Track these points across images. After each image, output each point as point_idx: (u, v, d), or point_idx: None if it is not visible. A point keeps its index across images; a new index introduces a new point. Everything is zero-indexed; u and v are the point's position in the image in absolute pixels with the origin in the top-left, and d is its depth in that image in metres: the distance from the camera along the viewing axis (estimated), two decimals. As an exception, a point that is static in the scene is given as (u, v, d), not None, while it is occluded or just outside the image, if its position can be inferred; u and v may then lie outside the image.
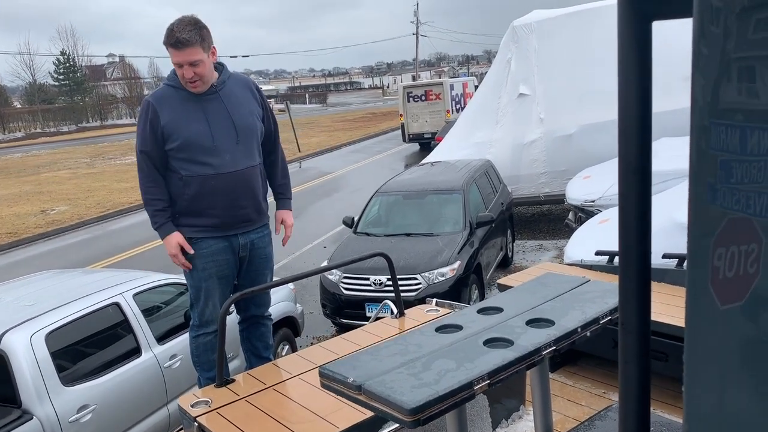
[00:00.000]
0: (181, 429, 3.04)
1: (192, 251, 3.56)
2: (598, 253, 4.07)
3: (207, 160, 3.46)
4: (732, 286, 0.60)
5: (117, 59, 76.18)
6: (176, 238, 3.56)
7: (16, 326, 3.91)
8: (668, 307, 2.92)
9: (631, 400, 0.70)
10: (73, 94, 57.71)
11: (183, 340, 4.63)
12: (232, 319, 5.15)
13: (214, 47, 3.51)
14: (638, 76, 0.63)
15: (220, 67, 3.64)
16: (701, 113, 0.59)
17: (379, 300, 5.86)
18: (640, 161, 0.65)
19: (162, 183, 3.57)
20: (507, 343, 2.02)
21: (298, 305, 6.27)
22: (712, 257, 0.61)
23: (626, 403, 0.70)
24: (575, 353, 3.75)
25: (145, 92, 56.63)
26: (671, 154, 6.12)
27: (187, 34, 3.34)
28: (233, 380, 3.09)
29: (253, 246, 3.72)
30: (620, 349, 0.70)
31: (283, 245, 4.04)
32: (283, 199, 3.98)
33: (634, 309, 0.69)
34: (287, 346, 5.92)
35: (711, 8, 0.56)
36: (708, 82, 0.58)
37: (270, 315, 4.09)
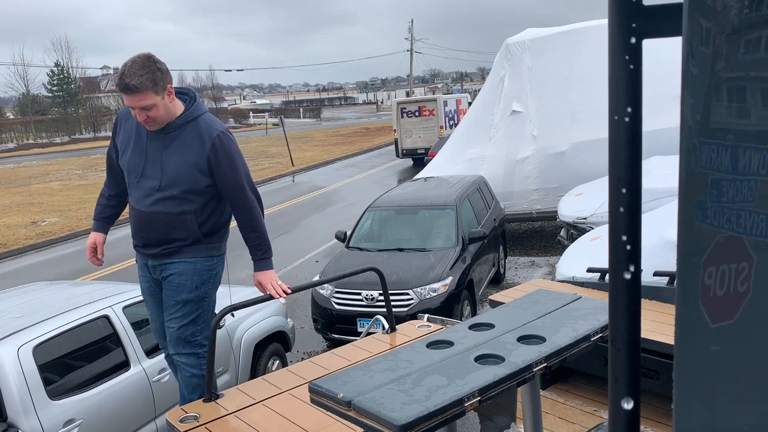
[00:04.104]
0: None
1: (99, 263, 3.73)
2: (589, 270, 4.07)
3: (131, 190, 3.53)
4: (723, 304, 0.60)
5: (111, 71, 76.17)
6: (93, 237, 3.73)
7: (3, 338, 3.87)
8: (659, 324, 2.93)
9: (621, 418, 0.70)
10: (66, 106, 57.60)
11: (172, 353, 4.58)
12: (222, 333, 5.12)
13: (170, 87, 3.32)
14: (629, 94, 0.64)
15: (189, 100, 3.48)
16: (691, 132, 0.60)
17: (370, 315, 5.85)
18: (630, 178, 0.65)
19: (116, 185, 3.68)
20: (498, 359, 2.01)
21: (288, 320, 6.24)
22: (702, 276, 0.61)
23: (616, 422, 0.70)
24: (566, 370, 3.74)
25: (139, 105, 56.34)
26: (662, 173, 6.16)
27: (137, 80, 3.19)
28: (222, 395, 3.06)
29: (164, 269, 3.54)
30: (610, 367, 0.70)
31: (283, 299, 3.74)
32: (255, 260, 3.61)
33: (624, 326, 0.68)
34: (277, 361, 5.89)
35: (701, 29, 0.57)
36: (697, 101, 0.59)
37: (188, 362, 3.53)
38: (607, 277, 3.35)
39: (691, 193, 0.61)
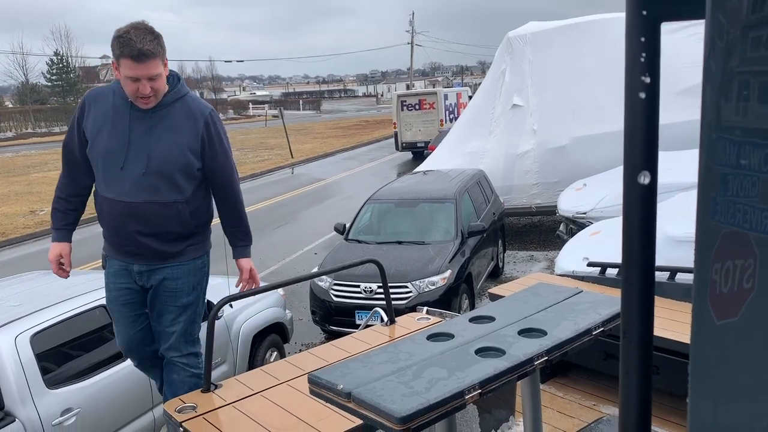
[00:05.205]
0: (166, 434, 3.00)
1: (66, 275, 3.45)
2: (590, 265, 4.06)
3: (110, 181, 3.14)
4: (728, 301, 0.59)
5: (111, 61, 75.86)
6: (58, 248, 3.38)
7: (0, 327, 3.86)
8: (661, 320, 2.91)
9: (632, 411, 0.68)
10: (65, 95, 57.41)
11: (170, 344, 4.57)
12: (220, 324, 5.11)
13: (166, 58, 3.15)
14: (646, 77, 0.62)
15: (174, 81, 3.22)
16: (710, 127, 0.58)
17: (369, 308, 5.84)
18: (645, 165, 0.64)
19: (76, 182, 3.33)
20: (499, 352, 2.00)
21: (287, 311, 6.24)
22: (711, 272, 0.60)
23: (627, 415, 0.69)
24: (566, 365, 3.73)
25: (139, 95, 56.33)
26: (663, 168, 6.15)
27: (150, 45, 2.95)
28: (220, 385, 3.05)
29: (153, 274, 3.27)
30: (622, 359, 0.69)
31: (241, 290, 3.53)
32: (241, 246, 3.49)
33: (637, 317, 0.67)
34: (275, 353, 5.88)
35: (719, 24, 0.56)
36: (717, 96, 0.57)
37: (190, 365, 3.43)
38: (607, 271, 3.33)
39: (707, 189, 0.59)
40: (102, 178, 3.17)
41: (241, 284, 3.51)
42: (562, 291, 2.58)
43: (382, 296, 3.86)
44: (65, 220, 3.39)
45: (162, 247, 3.22)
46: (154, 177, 3.11)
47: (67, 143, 3.30)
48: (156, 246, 3.20)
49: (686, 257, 3.44)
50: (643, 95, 0.62)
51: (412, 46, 61.65)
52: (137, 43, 2.92)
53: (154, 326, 3.40)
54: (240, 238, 3.47)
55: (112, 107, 3.14)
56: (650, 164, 0.64)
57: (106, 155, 3.12)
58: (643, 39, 0.61)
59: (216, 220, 3.42)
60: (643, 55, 0.62)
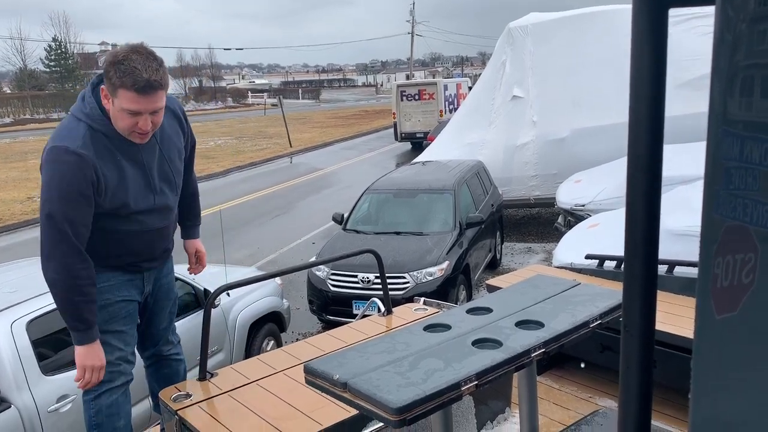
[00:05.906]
0: (159, 423, 3.00)
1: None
2: (588, 257, 4.05)
3: (139, 217, 2.84)
4: (727, 295, 0.58)
5: (110, 48, 75.72)
6: (102, 353, 2.78)
7: (-4, 313, 3.85)
8: (658, 313, 2.91)
9: (632, 406, 0.67)
10: (64, 81, 57.23)
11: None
12: (217, 312, 5.10)
13: None
14: (652, 65, 0.60)
15: None
16: (717, 120, 0.57)
17: (366, 297, 5.84)
18: (650, 156, 0.63)
19: (92, 264, 2.72)
20: (496, 344, 1.99)
21: (284, 300, 6.24)
22: (713, 266, 0.59)
23: (627, 409, 0.68)
24: (562, 357, 3.73)
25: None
26: (663, 161, 6.14)
27: (156, 74, 2.53)
28: (216, 374, 3.05)
29: (158, 273, 3.13)
30: (622, 353, 0.68)
31: (192, 273, 3.48)
32: (195, 226, 3.37)
33: (639, 312, 0.66)
34: (272, 342, 5.89)
35: (728, 16, 0.54)
36: (725, 89, 0.56)
37: (179, 353, 3.35)
38: (605, 263, 3.31)
39: (712, 183, 0.58)
40: (125, 220, 2.82)
41: (195, 267, 3.43)
42: (560, 283, 2.57)
43: (380, 286, 3.85)
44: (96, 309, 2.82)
45: (169, 246, 3.18)
46: (173, 197, 3.01)
47: (86, 223, 2.67)
48: (167, 252, 3.17)
49: (685, 251, 3.42)
50: (648, 85, 0.61)
51: (412, 36, 61.43)
52: (143, 71, 2.50)
53: (146, 331, 3.22)
54: (196, 217, 3.38)
55: (118, 152, 2.72)
56: (655, 156, 0.63)
57: (135, 201, 2.79)
58: (649, 26, 0.60)
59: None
60: (650, 42, 0.60)
